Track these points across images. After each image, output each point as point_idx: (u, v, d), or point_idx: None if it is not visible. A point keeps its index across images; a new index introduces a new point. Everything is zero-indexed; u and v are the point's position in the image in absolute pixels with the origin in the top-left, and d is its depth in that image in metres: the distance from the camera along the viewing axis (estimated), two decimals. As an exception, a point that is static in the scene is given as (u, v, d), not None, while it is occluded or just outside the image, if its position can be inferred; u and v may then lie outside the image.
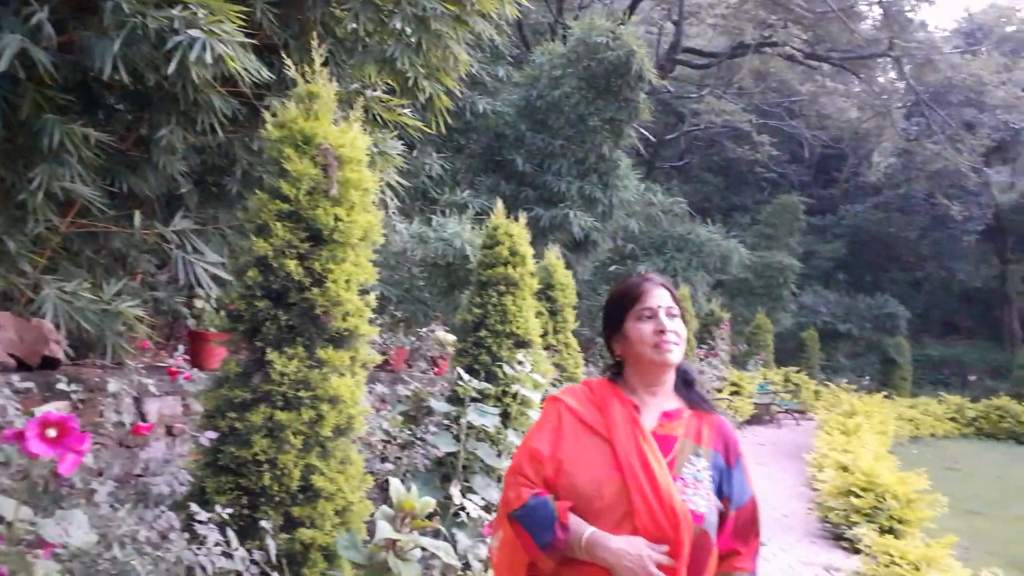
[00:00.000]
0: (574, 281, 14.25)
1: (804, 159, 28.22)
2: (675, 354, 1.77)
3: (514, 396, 4.33)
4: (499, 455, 3.90)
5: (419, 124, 4.86)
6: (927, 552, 4.59)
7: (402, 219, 8.02)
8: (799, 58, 20.98)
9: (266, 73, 3.54)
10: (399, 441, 4.55)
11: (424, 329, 8.43)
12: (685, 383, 1.85)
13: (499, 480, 3.91)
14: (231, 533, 2.37)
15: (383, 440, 4.74)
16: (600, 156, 10.68)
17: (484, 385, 4.05)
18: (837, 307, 24.49)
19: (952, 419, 18.12)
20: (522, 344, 5.43)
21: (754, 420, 14.98)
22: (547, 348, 8.05)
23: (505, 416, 4.59)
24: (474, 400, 4.35)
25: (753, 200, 27.53)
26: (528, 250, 5.55)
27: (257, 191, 2.87)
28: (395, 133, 7.14)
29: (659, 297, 1.79)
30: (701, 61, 22.48)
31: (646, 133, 23.67)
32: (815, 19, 19.53)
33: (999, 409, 18.33)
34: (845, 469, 7.01)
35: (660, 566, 1.60)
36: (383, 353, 7.61)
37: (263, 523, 2.48)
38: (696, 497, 1.69)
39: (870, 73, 23.17)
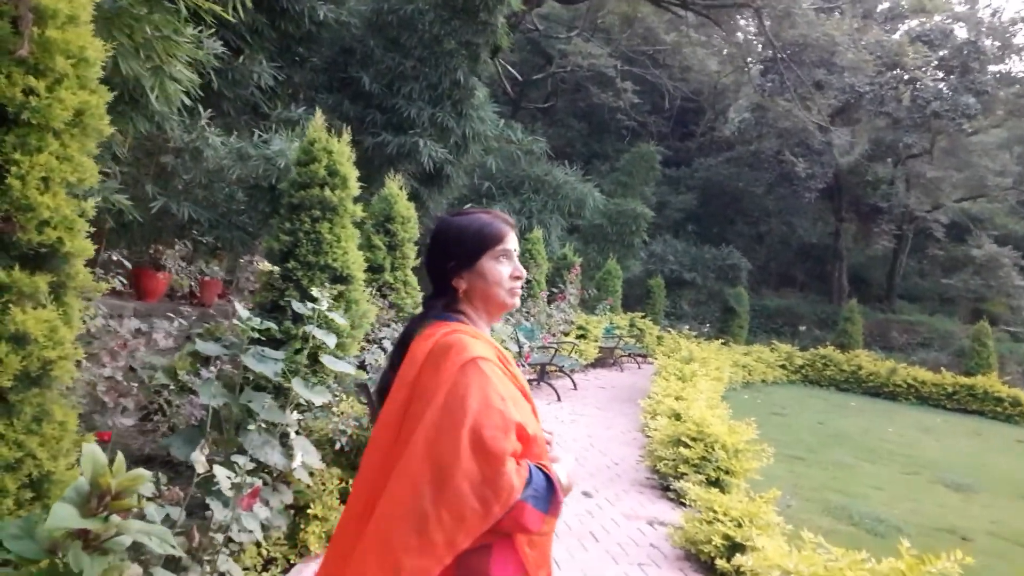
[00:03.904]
0: (428, 217, 13.64)
1: (664, 110, 28.54)
2: (519, 300, 1.78)
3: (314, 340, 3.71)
4: (283, 408, 3.30)
5: (214, 7, 4.02)
6: (750, 507, 4.45)
7: (221, 132, 7.08)
8: (665, 2, 20.86)
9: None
10: (172, 389, 3.86)
11: (244, 258, 7.61)
12: None
13: (281, 438, 3.32)
14: None
15: (161, 385, 4.04)
16: (455, 82, 9.99)
17: (269, 324, 3.41)
18: (684, 256, 25.18)
19: (782, 366, 19.05)
20: (340, 279, 4.82)
21: (598, 363, 15.08)
22: (384, 286, 7.46)
23: (315, 361, 4.00)
24: (258, 342, 3.72)
25: (614, 148, 27.65)
26: (351, 171, 4.88)
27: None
28: (212, 31, 6.20)
29: (514, 240, 1.76)
30: (569, -5, 22.03)
31: (513, 71, 23.19)
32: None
33: (824, 358, 19.45)
34: (678, 417, 6.92)
35: None
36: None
37: None
38: None
39: (732, 26, 23.44)
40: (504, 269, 1.70)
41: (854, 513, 6.49)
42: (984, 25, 24.70)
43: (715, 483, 5.66)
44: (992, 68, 24.14)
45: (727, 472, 5.81)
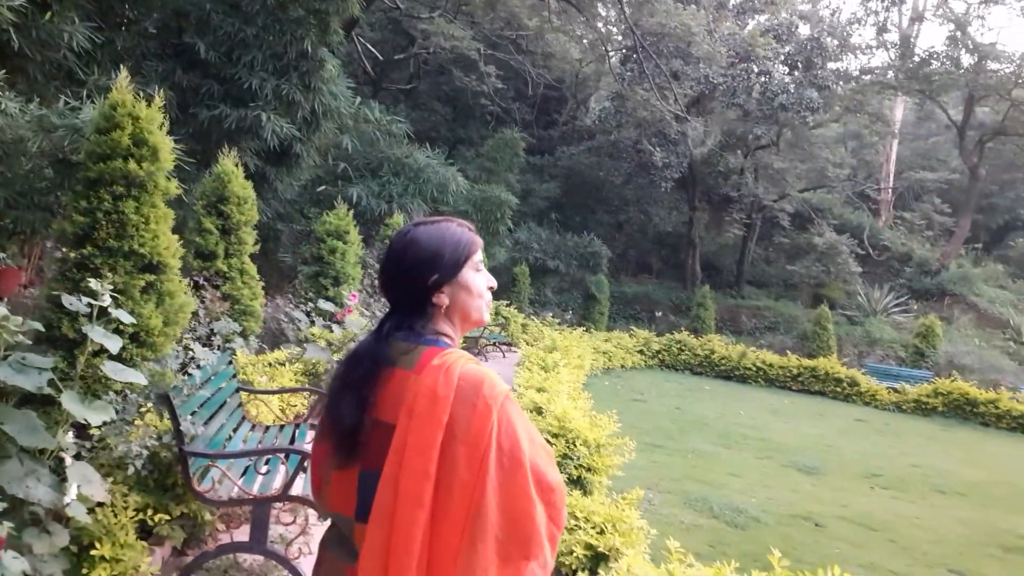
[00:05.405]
0: (276, 200, 12.70)
1: (528, 97, 28.49)
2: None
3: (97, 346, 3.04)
4: (57, 427, 2.65)
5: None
6: (612, 511, 4.17)
7: (19, 98, 6.10)
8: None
9: None
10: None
11: (49, 243, 6.67)
12: None
13: (58, 465, 2.67)
14: None
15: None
16: (302, 53, 9.24)
17: (35, 325, 2.75)
18: (548, 244, 25.25)
19: (640, 351, 19.40)
20: (150, 267, 4.14)
21: (461, 353, 14.71)
22: (216, 274, 6.72)
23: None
24: (47, 342, 3.05)
25: (479, 134, 27.32)
26: (163, 141, 4.20)
27: None
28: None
29: (482, 252, 1.66)
30: (430, -28, 21.44)
31: (373, 50, 22.28)
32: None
33: (679, 343, 19.98)
34: (539, 411, 6.63)
35: None
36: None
37: None
38: None
39: (593, 12, 23.52)
40: (482, 280, 1.61)
41: (714, 504, 6.43)
42: (825, 23, 26.11)
43: (577, 482, 5.38)
44: (832, 65, 25.58)
45: (589, 469, 5.55)
